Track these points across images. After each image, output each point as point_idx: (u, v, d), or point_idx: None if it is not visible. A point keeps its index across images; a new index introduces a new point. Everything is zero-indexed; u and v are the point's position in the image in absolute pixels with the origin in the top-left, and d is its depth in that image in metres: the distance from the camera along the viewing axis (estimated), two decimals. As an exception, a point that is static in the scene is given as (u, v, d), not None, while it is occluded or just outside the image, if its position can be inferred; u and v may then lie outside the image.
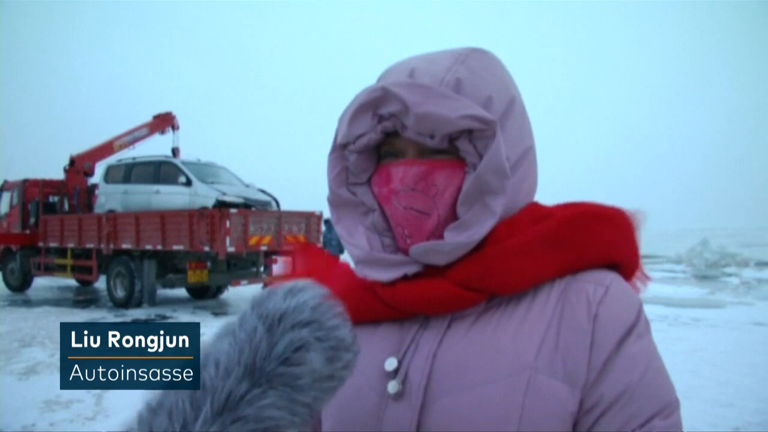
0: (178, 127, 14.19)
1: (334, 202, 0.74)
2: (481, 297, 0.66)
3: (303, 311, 0.53)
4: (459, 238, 0.65)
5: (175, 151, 13.61)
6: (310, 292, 0.55)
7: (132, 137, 14.07)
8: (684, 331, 7.62)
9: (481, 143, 0.64)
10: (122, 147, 13.99)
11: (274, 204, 11.53)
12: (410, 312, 0.69)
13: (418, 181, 0.66)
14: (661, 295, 11.49)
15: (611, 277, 0.67)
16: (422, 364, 0.65)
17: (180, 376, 0.52)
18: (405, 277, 0.68)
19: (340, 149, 0.72)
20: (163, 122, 14.19)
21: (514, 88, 0.72)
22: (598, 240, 0.68)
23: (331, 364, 0.52)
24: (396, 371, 0.66)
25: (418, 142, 0.66)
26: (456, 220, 0.67)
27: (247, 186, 11.94)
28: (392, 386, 0.65)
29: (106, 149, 13.97)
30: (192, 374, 0.50)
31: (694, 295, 11.74)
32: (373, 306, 0.71)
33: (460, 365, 0.64)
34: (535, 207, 0.72)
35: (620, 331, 0.62)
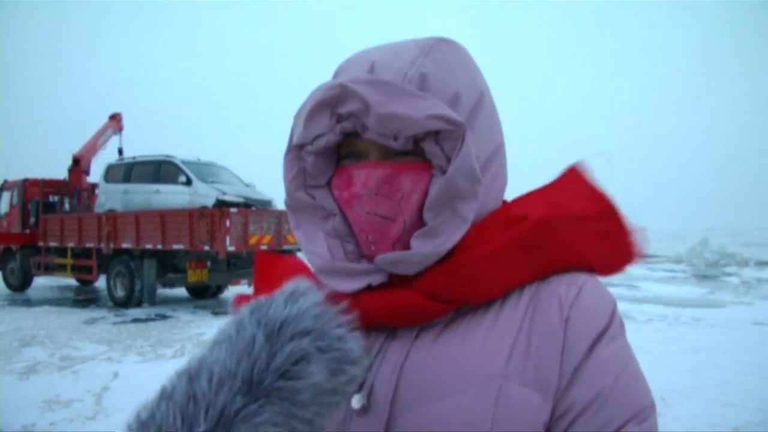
0: (122, 128, 14.40)
1: (292, 206, 0.69)
2: (450, 307, 0.63)
3: (305, 319, 0.49)
4: (427, 248, 0.61)
5: (120, 151, 13.88)
6: (313, 296, 0.52)
7: (104, 138, 14.33)
8: (684, 330, 7.59)
9: (448, 145, 0.60)
10: (100, 147, 14.31)
11: (274, 203, 11.54)
12: (375, 324, 0.65)
13: (382, 185, 0.62)
14: (661, 295, 11.50)
15: (584, 278, 0.64)
16: (388, 376, 0.62)
17: (174, 383, 0.48)
18: (369, 287, 0.64)
19: (296, 150, 0.67)
20: (117, 123, 14.38)
21: (483, 82, 0.68)
22: (572, 244, 0.65)
23: (334, 377, 0.49)
24: (361, 385, 0.62)
25: (380, 143, 0.61)
26: (422, 225, 0.63)
27: (247, 185, 11.95)
28: (356, 401, 0.61)
29: (92, 149, 14.19)
30: (186, 384, 0.47)
31: (694, 295, 11.72)
32: None
33: (427, 376, 0.61)
34: (508, 208, 0.69)
35: (593, 334, 0.60)
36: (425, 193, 0.62)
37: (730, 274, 15.62)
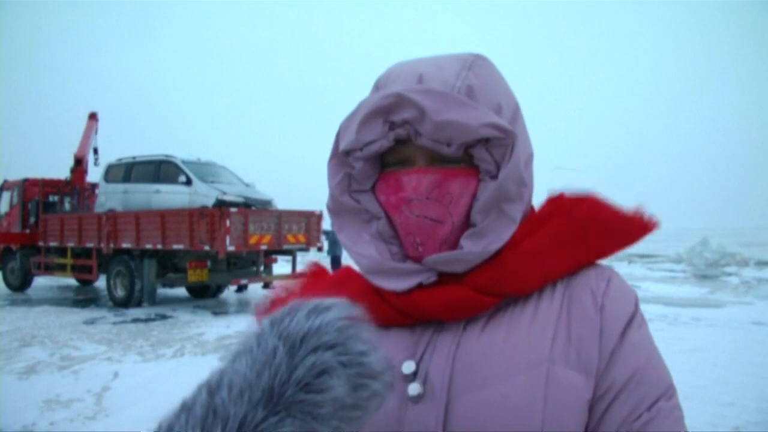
0: (97, 129, 14.46)
1: (335, 209, 0.73)
2: (497, 300, 0.67)
3: (327, 332, 0.49)
4: (477, 247, 0.66)
5: (95, 151, 14.03)
6: (337, 311, 0.52)
7: (92, 137, 14.39)
8: (684, 330, 7.61)
9: (498, 151, 0.65)
10: (91, 146, 14.38)
11: (274, 203, 11.54)
12: (426, 318, 0.69)
13: (433, 189, 0.66)
14: (661, 295, 11.50)
15: (609, 271, 0.71)
16: (443, 364, 0.65)
17: (195, 396, 0.47)
18: (420, 285, 0.68)
19: (341, 156, 0.71)
20: (97, 122, 14.42)
21: (515, 95, 0.73)
22: (596, 242, 0.71)
23: (355, 392, 0.49)
24: (414, 374, 0.66)
25: (433, 149, 0.65)
26: (468, 226, 0.68)
27: (247, 185, 11.95)
28: (413, 388, 0.65)
29: (88, 148, 14.24)
30: (206, 396, 0.46)
31: (694, 295, 11.73)
32: (383, 312, 0.70)
33: (479, 363, 0.65)
34: (539, 211, 0.74)
35: (624, 321, 0.66)
36: (472, 197, 0.67)
37: (730, 274, 15.64)
